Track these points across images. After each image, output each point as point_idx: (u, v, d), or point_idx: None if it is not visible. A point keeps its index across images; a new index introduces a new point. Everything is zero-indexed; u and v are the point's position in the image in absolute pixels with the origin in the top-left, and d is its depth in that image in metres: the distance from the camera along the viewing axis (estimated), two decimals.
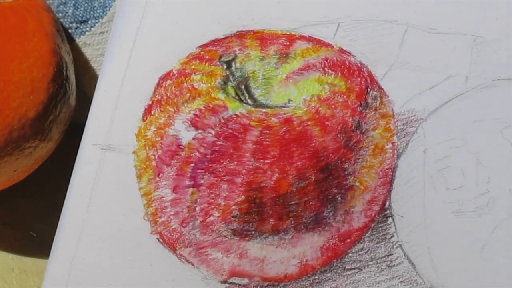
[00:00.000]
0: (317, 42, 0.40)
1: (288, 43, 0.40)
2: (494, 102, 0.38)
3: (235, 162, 0.37)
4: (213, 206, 0.37)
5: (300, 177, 0.37)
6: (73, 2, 0.44)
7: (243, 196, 0.37)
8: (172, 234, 0.38)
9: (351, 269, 0.38)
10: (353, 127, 0.38)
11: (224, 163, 0.37)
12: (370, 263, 0.38)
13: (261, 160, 0.37)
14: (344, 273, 0.38)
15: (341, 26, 0.40)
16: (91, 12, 0.44)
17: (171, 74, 0.40)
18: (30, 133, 0.38)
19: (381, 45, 0.39)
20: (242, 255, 0.38)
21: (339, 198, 0.37)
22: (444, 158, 0.37)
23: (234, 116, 0.38)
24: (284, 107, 0.38)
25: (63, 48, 0.40)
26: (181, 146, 0.38)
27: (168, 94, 0.39)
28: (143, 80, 0.40)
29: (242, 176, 0.37)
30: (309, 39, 0.40)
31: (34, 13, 0.39)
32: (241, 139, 0.37)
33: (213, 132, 0.38)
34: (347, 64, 0.39)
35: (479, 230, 0.36)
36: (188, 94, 0.39)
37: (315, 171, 0.37)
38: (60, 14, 0.44)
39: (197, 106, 0.38)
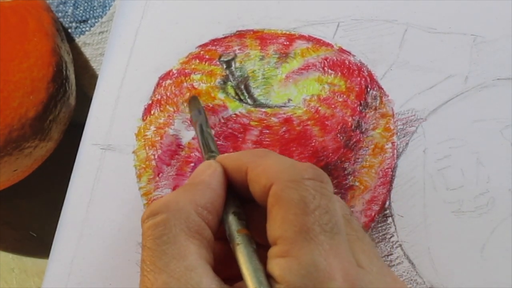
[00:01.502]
0: (317, 42, 0.40)
1: (287, 43, 0.40)
2: (494, 101, 0.38)
3: None
4: None
5: None
6: (72, 1, 0.44)
7: None
8: None
9: None
10: (353, 126, 0.37)
11: None
12: None
13: None
14: None
15: (341, 25, 0.40)
16: (91, 12, 0.44)
17: (171, 73, 0.40)
18: (30, 133, 0.38)
19: (381, 45, 0.39)
20: None
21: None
22: (444, 158, 0.37)
23: (234, 115, 0.38)
24: (284, 106, 0.38)
25: (62, 47, 0.40)
26: (181, 146, 0.38)
27: (168, 93, 0.39)
28: (143, 79, 0.40)
29: None
30: (309, 38, 0.40)
31: (34, 13, 0.39)
32: (240, 139, 0.37)
33: (213, 132, 0.38)
34: (347, 63, 0.39)
35: (479, 230, 0.36)
36: (188, 94, 0.39)
37: None
38: (60, 14, 0.44)
39: None
